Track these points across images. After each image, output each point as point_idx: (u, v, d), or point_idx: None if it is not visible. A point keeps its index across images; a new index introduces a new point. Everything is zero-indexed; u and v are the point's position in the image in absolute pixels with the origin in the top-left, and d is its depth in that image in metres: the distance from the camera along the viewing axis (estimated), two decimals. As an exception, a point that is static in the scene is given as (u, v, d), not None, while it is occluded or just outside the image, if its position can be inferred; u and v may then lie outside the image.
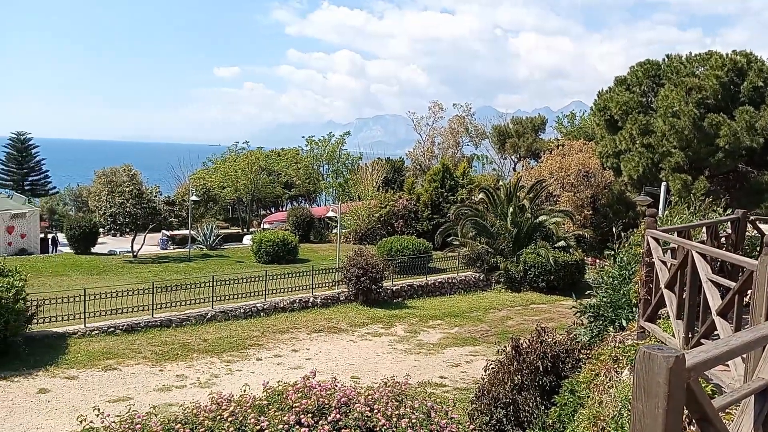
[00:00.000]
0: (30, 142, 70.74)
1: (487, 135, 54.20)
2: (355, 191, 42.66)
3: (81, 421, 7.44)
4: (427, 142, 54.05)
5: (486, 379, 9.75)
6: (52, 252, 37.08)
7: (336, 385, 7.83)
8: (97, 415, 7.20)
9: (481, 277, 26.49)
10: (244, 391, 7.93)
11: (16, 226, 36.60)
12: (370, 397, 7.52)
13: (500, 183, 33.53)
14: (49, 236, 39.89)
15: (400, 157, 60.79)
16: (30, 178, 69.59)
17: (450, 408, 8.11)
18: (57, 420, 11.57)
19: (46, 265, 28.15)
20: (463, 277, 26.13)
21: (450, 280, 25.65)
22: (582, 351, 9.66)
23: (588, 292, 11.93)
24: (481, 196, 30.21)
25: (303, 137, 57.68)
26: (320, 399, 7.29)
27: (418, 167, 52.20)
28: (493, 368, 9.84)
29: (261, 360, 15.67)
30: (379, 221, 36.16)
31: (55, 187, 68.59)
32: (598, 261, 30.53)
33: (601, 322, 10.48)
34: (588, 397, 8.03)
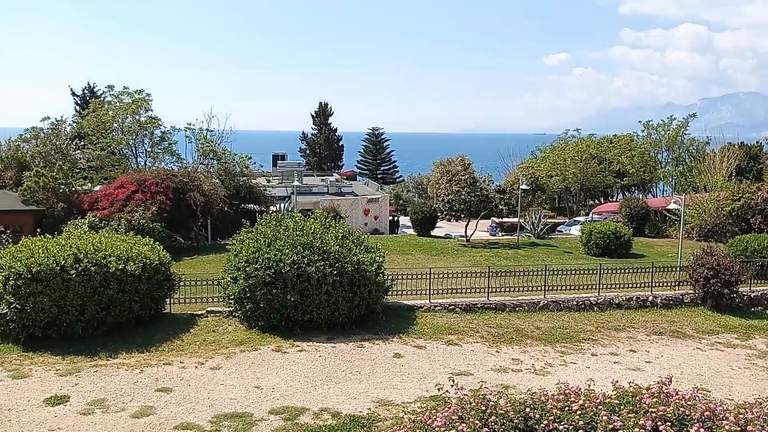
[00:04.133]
0: (382, 137, 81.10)
1: None
2: (699, 181, 38.12)
3: (438, 389, 8.17)
4: (798, 123, 45.29)
5: None
6: (397, 233, 41.83)
7: (697, 396, 7.08)
8: (452, 386, 7.82)
9: None
10: (589, 386, 7.75)
11: (371, 209, 42.39)
12: (741, 416, 6.59)
13: None
14: (395, 219, 45.14)
15: (758, 142, 52.34)
16: (382, 168, 79.81)
17: None
18: (409, 383, 12.98)
19: (394, 244, 31.81)
20: None
21: (831, 291, 21.07)
22: None
23: None
24: None
25: (639, 122, 53.72)
26: (680, 408, 6.67)
27: (784, 153, 44.11)
28: None
29: (596, 356, 15.15)
30: (730, 216, 31.69)
31: (401, 176, 77.24)
32: None
33: None
34: None
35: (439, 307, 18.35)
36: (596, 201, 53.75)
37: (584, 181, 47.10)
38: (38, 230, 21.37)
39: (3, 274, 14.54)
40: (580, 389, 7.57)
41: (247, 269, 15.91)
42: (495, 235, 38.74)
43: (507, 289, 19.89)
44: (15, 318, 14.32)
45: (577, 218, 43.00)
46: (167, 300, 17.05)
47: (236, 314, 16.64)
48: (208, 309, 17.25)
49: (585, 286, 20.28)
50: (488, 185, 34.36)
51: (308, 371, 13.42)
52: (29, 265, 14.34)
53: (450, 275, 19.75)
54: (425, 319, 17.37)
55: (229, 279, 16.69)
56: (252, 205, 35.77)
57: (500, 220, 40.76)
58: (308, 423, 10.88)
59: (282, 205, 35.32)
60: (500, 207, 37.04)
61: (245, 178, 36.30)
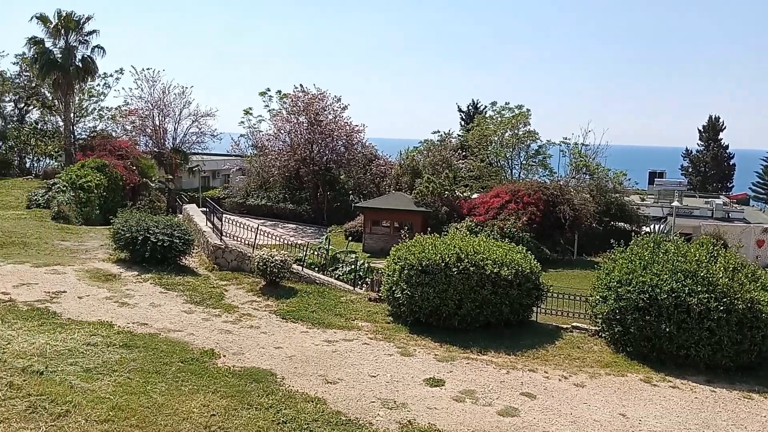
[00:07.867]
0: (788, 156, 68.63)
1: None
2: None
3: None
4: None
5: None
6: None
7: None
8: None
9: None
10: None
11: (767, 240, 36.21)
12: None
13: None
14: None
15: None
16: (784, 193, 67.60)
17: None
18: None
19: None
20: None
21: None
22: None
23: None
24: None
25: None
26: None
27: None
28: None
29: None
30: None
31: (810, 203, 64.17)
32: None
33: None
34: None
35: None
36: None
37: None
38: (428, 229, 24.27)
39: (400, 264, 16.95)
40: None
41: (619, 290, 15.23)
42: None
43: None
44: (406, 303, 16.52)
45: None
46: (534, 308, 17.47)
47: (603, 335, 16.07)
48: (574, 324, 17.07)
49: None
50: None
51: (681, 411, 12.12)
52: (421, 259, 16.39)
53: None
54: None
55: (598, 297, 16.23)
56: (622, 224, 34.30)
57: None
58: (680, 469, 9.83)
59: (656, 226, 32.94)
60: None
61: (617, 194, 35.01)
